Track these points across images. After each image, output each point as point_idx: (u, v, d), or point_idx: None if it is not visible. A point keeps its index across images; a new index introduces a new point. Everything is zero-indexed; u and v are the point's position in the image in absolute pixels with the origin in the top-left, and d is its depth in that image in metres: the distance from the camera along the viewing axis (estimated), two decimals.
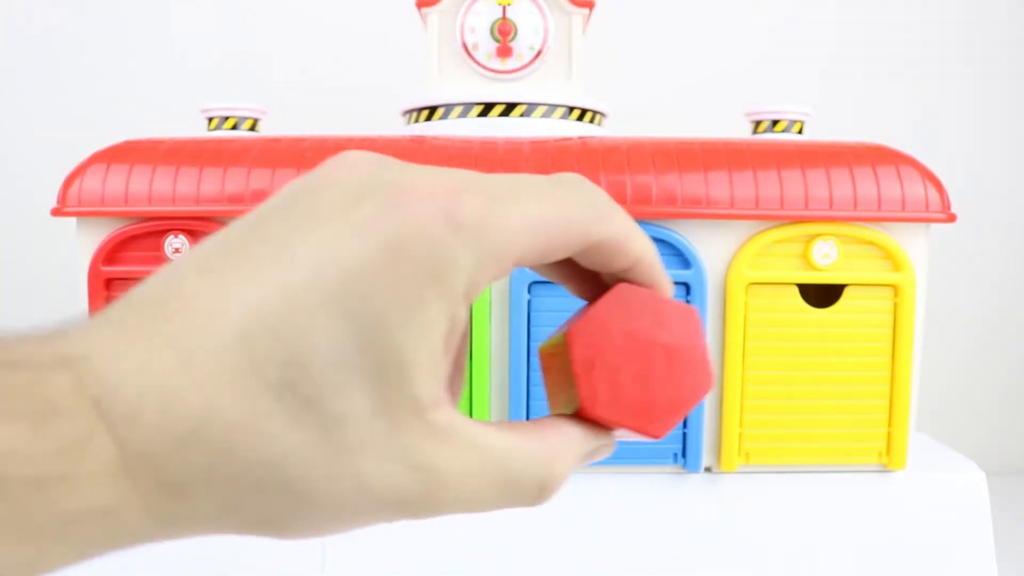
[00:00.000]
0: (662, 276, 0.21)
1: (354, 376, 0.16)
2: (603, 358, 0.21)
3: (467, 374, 0.45)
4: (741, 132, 0.52)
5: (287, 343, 0.16)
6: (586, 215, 0.19)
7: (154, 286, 0.17)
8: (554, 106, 0.50)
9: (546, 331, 0.44)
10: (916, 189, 0.44)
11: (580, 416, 0.21)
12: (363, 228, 0.17)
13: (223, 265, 0.17)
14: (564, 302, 0.44)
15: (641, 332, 0.21)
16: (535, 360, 0.44)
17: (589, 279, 0.23)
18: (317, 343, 0.16)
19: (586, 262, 0.21)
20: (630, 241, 0.20)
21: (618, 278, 0.21)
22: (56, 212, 0.45)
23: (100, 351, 0.16)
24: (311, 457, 0.16)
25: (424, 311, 0.17)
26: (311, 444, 0.16)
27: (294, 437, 0.16)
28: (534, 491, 0.19)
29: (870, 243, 0.44)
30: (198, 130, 0.52)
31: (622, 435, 0.22)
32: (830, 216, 0.43)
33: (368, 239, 0.17)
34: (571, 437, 0.20)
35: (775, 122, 0.50)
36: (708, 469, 0.46)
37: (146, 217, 0.44)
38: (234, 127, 0.51)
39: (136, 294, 0.17)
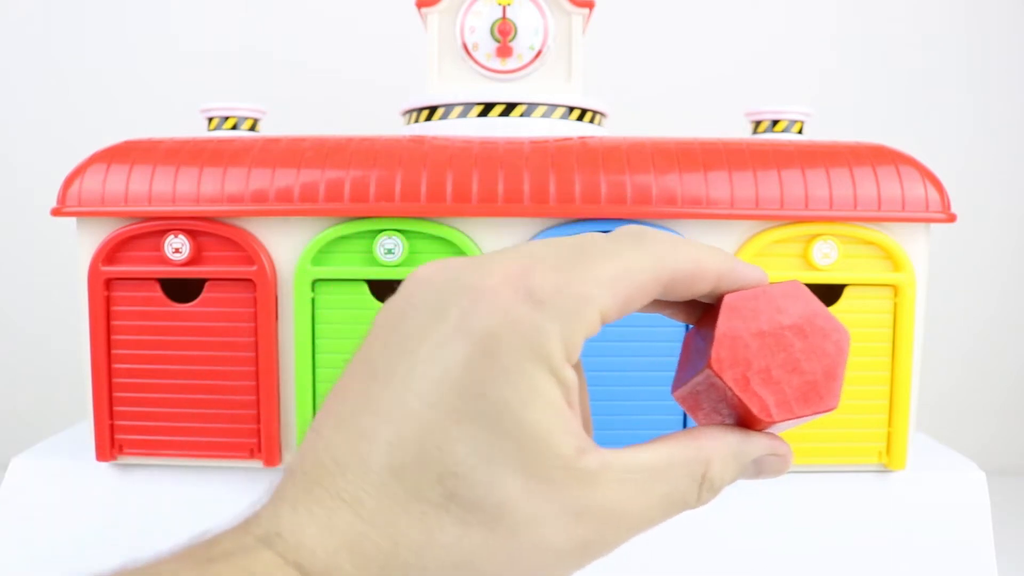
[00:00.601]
0: (749, 273, 0.23)
1: (501, 464, 0.18)
2: (751, 370, 0.21)
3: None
4: (741, 132, 0.52)
5: (434, 462, 0.18)
6: (652, 263, 0.21)
7: (305, 454, 0.19)
8: (554, 106, 0.50)
9: None
10: (916, 189, 0.44)
11: (755, 428, 0.22)
12: (457, 334, 0.18)
13: (352, 416, 0.19)
14: None
15: (767, 328, 0.22)
16: None
17: (688, 304, 0.24)
18: (459, 452, 0.18)
19: (675, 296, 0.22)
20: (701, 265, 0.22)
21: (714, 295, 0.22)
22: (56, 212, 0.45)
23: (289, 526, 0.18)
24: (493, 546, 0.18)
25: (536, 385, 0.18)
26: (489, 536, 0.18)
27: (473, 537, 0.18)
28: (694, 494, 0.21)
29: (870, 243, 0.44)
30: (198, 130, 0.52)
31: (800, 422, 0.22)
32: (830, 216, 0.43)
33: (464, 343, 0.18)
34: (726, 440, 0.21)
35: (775, 122, 0.50)
36: None
37: (146, 217, 0.44)
38: (234, 127, 0.51)
39: (296, 466, 0.19)
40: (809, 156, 0.44)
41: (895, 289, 0.44)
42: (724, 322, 0.22)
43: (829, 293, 0.45)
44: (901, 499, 0.46)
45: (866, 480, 0.46)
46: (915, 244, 0.45)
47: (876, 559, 0.45)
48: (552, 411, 0.18)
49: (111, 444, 0.46)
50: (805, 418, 0.22)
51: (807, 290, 0.22)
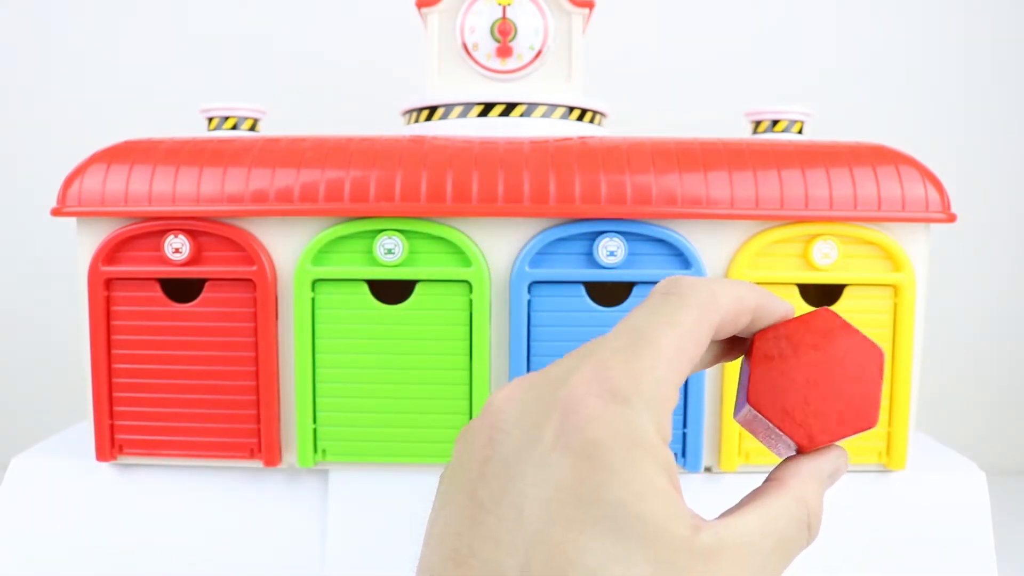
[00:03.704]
0: (779, 306, 0.24)
1: (631, 561, 0.18)
2: (790, 400, 0.22)
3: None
4: (741, 132, 0.52)
5: (568, 575, 0.18)
6: (700, 311, 0.22)
7: None
8: (554, 106, 0.50)
9: (546, 331, 0.44)
10: (916, 189, 0.44)
11: (806, 452, 0.23)
12: (557, 451, 0.19)
13: (472, 552, 0.19)
14: (564, 302, 0.44)
15: (800, 359, 0.23)
16: (535, 360, 0.44)
17: (728, 343, 0.25)
18: (589, 560, 0.18)
19: (720, 336, 0.23)
20: (742, 303, 0.23)
21: (752, 331, 0.24)
22: (56, 212, 0.45)
23: None
24: None
25: (646, 477, 0.19)
26: None
27: None
28: (804, 534, 0.22)
29: (870, 243, 0.44)
30: (198, 130, 0.52)
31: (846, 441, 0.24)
32: (830, 216, 0.43)
33: (568, 457, 0.19)
34: (806, 473, 0.23)
35: (775, 122, 0.50)
36: (708, 469, 0.46)
37: (146, 217, 0.44)
38: (234, 127, 0.51)
39: None
40: (809, 156, 0.44)
41: (895, 289, 0.44)
42: (760, 358, 0.23)
43: (829, 293, 0.45)
44: (901, 499, 0.46)
45: (866, 480, 0.46)
46: (915, 244, 0.45)
47: (876, 559, 0.45)
48: (665, 497, 0.19)
49: (111, 444, 0.46)
50: (850, 436, 0.23)
51: (838, 316, 0.23)
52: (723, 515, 0.21)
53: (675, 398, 0.21)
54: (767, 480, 0.23)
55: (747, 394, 0.23)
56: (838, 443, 0.23)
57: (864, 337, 0.23)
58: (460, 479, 0.20)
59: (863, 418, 0.23)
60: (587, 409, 0.19)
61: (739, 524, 0.20)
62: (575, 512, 0.18)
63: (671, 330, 0.21)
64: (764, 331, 0.24)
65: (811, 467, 0.23)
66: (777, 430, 0.23)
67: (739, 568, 0.20)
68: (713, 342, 0.24)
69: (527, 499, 0.19)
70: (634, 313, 0.22)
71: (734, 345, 0.25)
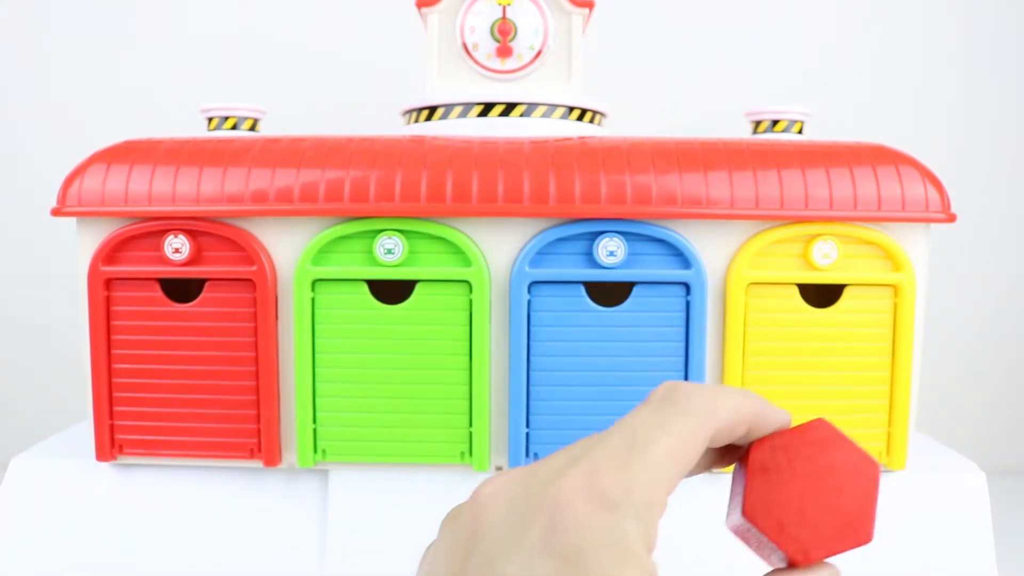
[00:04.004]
0: (775, 416, 0.24)
1: None
2: (786, 514, 0.22)
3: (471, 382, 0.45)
4: (741, 132, 0.52)
5: None
6: (697, 424, 0.22)
7: None
8: (554, 106, 0.50)
9: (546, 331, 0.44)
10: (916, 189, 0.44)
11: (797, 566, 0.23)
12: (542, 552, 0.19)
13: None
14: (564, 302, 0.44)
15: (796, 472, 0.23)
16: (535, 360, 0.44)
17: (722, 449, 0.25)
18: None
19: (716, 444, 0.23)
20: (740, 414, 0.23)
21: (748, 439, 0.24)
22: (56, 212, 0.45)
23: None
24: None
25: None
26: None
27: None
28: None
29: (870, 243, 0.44)
30: (198, 130, 0.52)
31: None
32: (830, 216, 0.43)
33: (552, 559, 0.19)
34: None
35: (775, 122, 0.50)
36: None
37: (146, 217, 0.44)
38: (234, 127, 0.51)
39: None
40: (809, 156, 0.44)
41: (895, 289, 0.44)
42: (756, 469, 0.23)
43: (829, 293, 0.45)
44: (901, 499, 0.46)
45: None
46: (915, 244, 0.45)
47: (876, 559, 0.45)
48: None
49: (111, 444, 0.46)
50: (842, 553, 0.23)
51: (834, 428, 0.23)
52: None
53: (665, 505, 0.21)
54: None
55: (742, 506, 0.23)
56: (830, 560, 0.23)
57: (859, 450, 0.23)
58: (443, 565, 0.20)
59: (858, 533, 0.23)
60: (575, 513, 0.19)
61: None
62: None
63: (667, 437, 0.21)
64: (761, 441, 0.23)
65: None
66: (771, 543, 0.23)
67: None
68: (708, 449, 0.24)
69: None
70: (631, 415, 0.22)
71: (727, 452, 0.25)
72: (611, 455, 0.20)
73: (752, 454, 0.23)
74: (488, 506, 0.20)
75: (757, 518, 0.22)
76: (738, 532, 0.24)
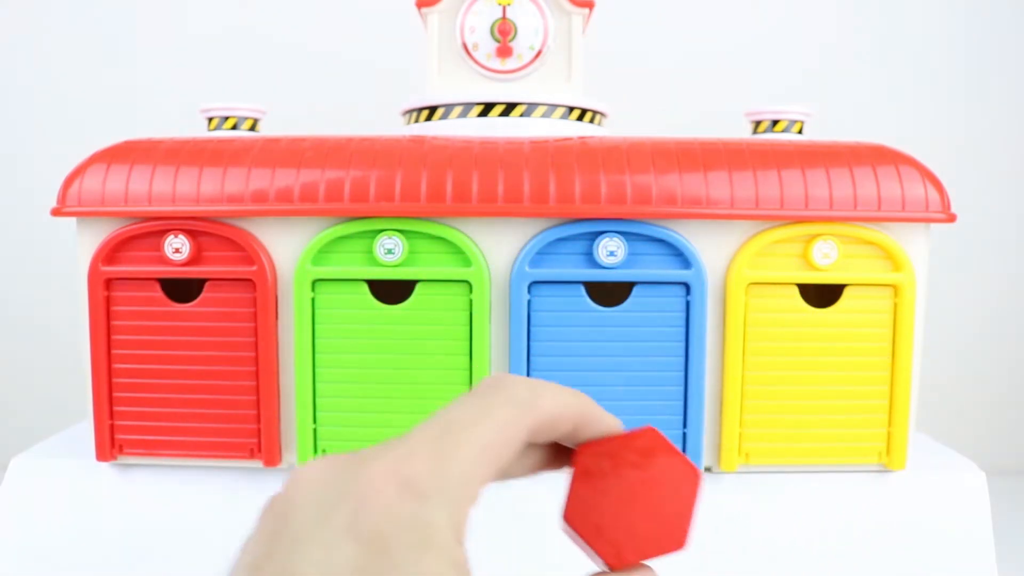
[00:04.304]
0: (605, 419, 0.24)
1: None
2: (602, 520, 0.23)
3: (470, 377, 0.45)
4: (741, 132, 0.52)
5: None
6: (516, 415, 0.22)
7: None
8: (554, 106, 0.50)
9: (546, 331, 0.44)
10: (916, 189, 0.44)
11: (614, 570, 0.23)
12: (345, 536, 0.18)
13: None
14: (564, 302, 0.44)
15: (621, 478, 0.23)
16: (535, 360, 0.44)
17: (553, 451, 0.25)
18: None
19: (537, 440, 0.23)
20: (563, 410, 0.23)
21: (575, 440, 0.24)
22: (56, 212, 0.45)
23: None
24: None
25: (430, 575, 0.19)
26: None
27: None
28: None
29: (870, 243, 0.44)
30: (198, 130, 0.52)
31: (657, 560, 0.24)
32: (830, 216, 0.43)
33: (354, 545, 0.18)
34: None
35: (775, 122, 0.50)
36: (708, 469, 0.46)
37: (146, 217, 0.44)
38: (234, 127, 0.51)
39: None
40: (809, 156, 0.44)
41: (895, 289, 0.44)
42: (578, 473, 0.23)
43: (829, 293, 0.45)
44: (901, 499, 0.46)
45: (866, 480, 0.46)
46: (915, 244, 0.45)
47: (876, 559, 0.45)
48: None
49: (111, 444, 0.46)
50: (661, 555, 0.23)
51: (660, 436, 0.24)
52: None
53: (477, 495, 0.21)
54: None
55: (563, 510, 0.23)
56: (647, 563, 0.23)
57: (684, 459, 0.23)
58: (250, 552, 0.20)
59: (673, 539, 0.23)
60: (381, 499, 0.19)
61: None
62: None
63: (483, 427, 0.21)
64: (588, 445, 0.24)
65: None
66: (588, 547, 0.23)
67: None
68: (536, 447, 0.24)
69: None
70: (452, 405, 0.22)
71: (560, 454, 0.25)
72: (425, 443, 0.20)
73: (578, 458, 0.24)
74: (300, 490, 0.20)
75: (575, 522, 0.23)
76: (566, 533, 0.24)
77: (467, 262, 0.44)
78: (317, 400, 0.45)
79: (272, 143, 0.45)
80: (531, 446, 0.24)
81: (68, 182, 0.45)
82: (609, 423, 0.24)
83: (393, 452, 0.20)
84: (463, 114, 0.50)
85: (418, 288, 0.44)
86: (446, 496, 0.19)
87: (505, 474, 0.24)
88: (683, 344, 0.44)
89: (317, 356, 0.45)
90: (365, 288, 0.44)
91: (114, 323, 0.45)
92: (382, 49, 0.79)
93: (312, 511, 0.19)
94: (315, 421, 0.45)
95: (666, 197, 0.43)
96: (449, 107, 0.50)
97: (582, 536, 0.23)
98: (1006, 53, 0.80)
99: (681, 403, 0.45)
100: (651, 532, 0.23)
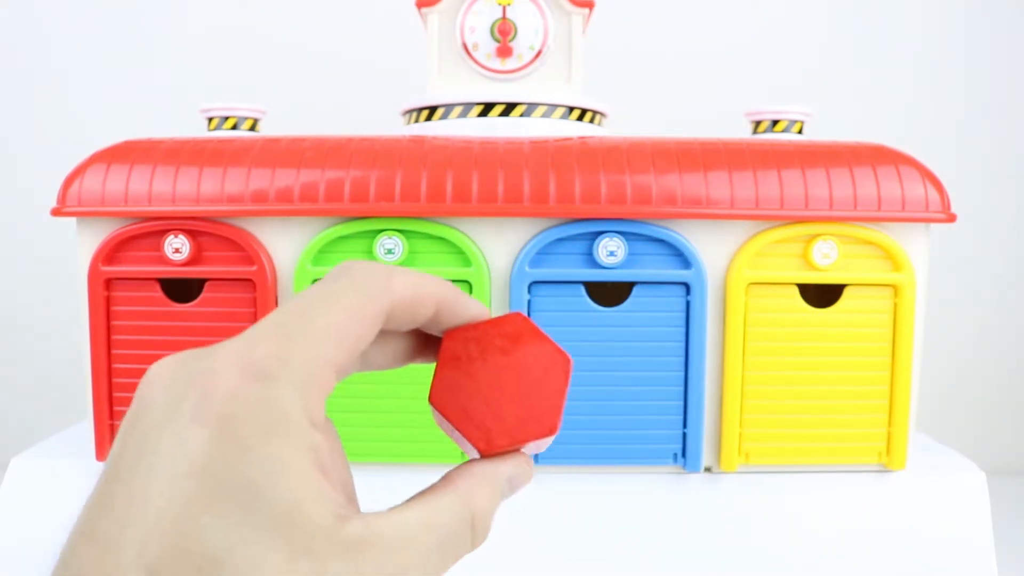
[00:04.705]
0: (470, 305, 0.23)
1: (260, 543, 0.17)
2: (472, 402, 0.22)
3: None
4: (741, 132, 0.52)
5: (188, 554, 0.17)
6: (369, 296, 0.21)
7: (63, 568, 0.18)
8: (554, 106, 0.50)
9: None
10: (916, 189, 0.44)
11: (486, 456, 0.22)
12: (193, 423, 0.18)
13: (97, 526, 0.18)
14: (564, 302, 0.44)
15: (489, 362, 0.23)
16: None
17: (421, 341, 0.24)
18: (212, 538, 0.17)
19: (399, 325, 0.22)
20: (420, 292, 0.22)
21: (441, 327, 0.23)
22: (56, 212, 0.45)
23: None
24: None
25: (281, 457, 0.18)
26: None
27: None
28: (467, 536, 0.21)
29: (870, 243, 0.44)
30: (198, 130, 0.52)
31: (531, 448, 0.23)
32: (830, 216, 0.43)
33: (202, 430, 0.18)
34: (479, 474, 0.22)
35: (775, 122, 0.50)
36: (708, 469, 0.46)
37: (146, 217, 0.44)
38: (234, 127, 0.51)
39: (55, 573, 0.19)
40: (809, 156, 0.44)
41: (895, 289, 0.44)
42: (447, 358, 0.23)
43: (829, 293, 0.45)
44: (901, 499, 0.46)
45: (866, 480, 0.46)
46: (915, 244, 0.45)
47: (876, 559, 0.45)
48: (302, 481, 0.18)
49: (111, 444, 0.46)
50: (533, 442, 0.22)
51: (529, 322, 0.23)
52: (386, 510, 0.20)
53: (331, 379, 0.20)
54: (439, 479, 0.22)
55: (429, 393, 0.22)
56: (523, 451, 0.23)
57: (553, 344, 0.23)
58: (109, 457, 0.19)
59: (543, 424, 0.22)
60: (227, 383, 0.18)
61: (395, 518, 0.20)
62: (202, 489, 0.17)
63: (332, 308, 0.20)
64: (454, 331, 0.23)
65: (486, 469, 0.22)
66: (457, 432, 0.22)
67: (391, 563, 0.19)
68: (400, 335, 0.24)
69: (157, 471, 0.18)
70: (305, 292, 0.21)
71: (428, 344, 0.24)
72: (270, 328, 0.20)
73: (445, 343, 0.23)
74: (150, 384, 0.19)
75: (443, 405, 0.22)
76: (439, 424, 0.24)
77: (467, 262, 0.44)
78: None
79: (272, 143, 0.45)
80: (395, 334, 0.23)
81: (68, 182, 0.45)
82: (475, 310, 0.23)
83: (238, 340, 0.19)
84: (463, 114, 0.50)
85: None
86: (295, 378, 0.19)
87: (368, 362, 0.23)
88: (683, 344, 0.44)
89: None
90: None
91: (114, 323, 0.45)
92: (382, 49, 0.79)
93: (161, 404, 0.19)
94: None
95: (666, 197, 0.43)
96: (449, 107, 0.50)
97: (449, 420, 0.22)
98: (1006, 53, 0.80)
99: (681, 403, 0.45)
100: (521, 416, 0.22)
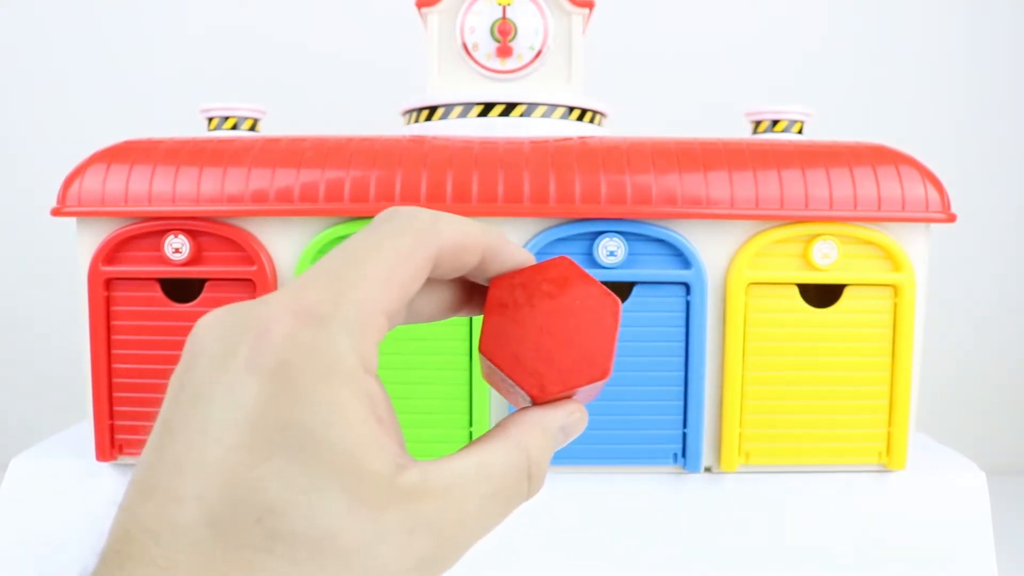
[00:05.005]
0: (515, 252, 0.23)
1: (319, 492, 0.17)
2: (522, 349, 0.22)
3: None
4: (741, 132, 0.52)
5: (248, 505, 0.17)
6: (416, 240, 0.20)
7: (113, 532, 0.18)
8: (554, 106, 0.50)
9: None
10: (916, 189, 0.44)
11: (539, 403, 0.22)
12: (247, 372, 0.18)
13: (154, 479, 0.18)
14: None
15: (537, 307, 0.22)
16: None
17: (466, 291, 0.24)
18: (272, 488, 0.17)
19: (445, 273, 0.22)
20: (467, 238, 0.22)
21: (487, 275, 0.23)
22: (56, 212, 0.45)
23: None
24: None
25: (338, 404, 0.18)
26: (321, 568, 0.17)
27: (305, 572, 0.17)
28: (523, 484, 0.20)
29: (870, 243, 0.44)
30: (198, 130, 0.52)
31: (583, 394, 0.23)
32: (830, 216, 0.43)
33: (257, 378, 0.17)
34: (533, 422, 0.21)
35: (775, 122, 0.50)
36: (708, 469, 0.46)
37: (146, 217, 0.44)
38: (234, 127, 0.51)
39: (106, 547, 0.18)
40: (809, 156, 0.44)
41: (895, 289, 0.44)
42: (494, 306, 0.22)
43: (829, 293, 0.45)
44: (901, 499, 0.46)
45: (866, 480, 0.46)
46: (915, 244, 0.45)
47: (876, 559, 0.45)
48: (360, 428, 0.18)
49: (111, 444, 0.46)
50: (587, 387, 0.22)
51: (576, 265, 0.23)
52: (442, 458, 0.20)
53: (384, 325, 0.19)
54: (493, 428, 0.21)
55: (480, 342, 0.22)
56: (575, 399, 0.23)
57: (601, 287, 0.22)
58: (161, 410, 0.19)
59: (596, 367, 0.22)
60: (280, 328, 0.18)
61: (452, 466, 0.19)
62: (260, 437, 0.17)
63: (381, 254, 0.20)
64: (500, 278, 0.23)
65: (539, 417, 0.22)
66: (509, 380, 0.22)
67: (449, 511, 0.19)
68: (447, 284, 0.23)
69: (212, 422, 0.17)
70: (349, 239, 0.20)
71: (472, 296, 0.24)
72: (321, 274, 0.19)
73: (491, 291, 0.22)
74: (200, 335, 0.19)
75: (493, 353, 0.22)
76: (486, 376, 0.23)
77: None
78: None
79: (272, 143, 0.45)
80: (441, 283, 0.23)
81: (68, 182, 0.45)
82: (520, 256, 0.23)
83: (289, 287, 0.19)
84: (463, 114, 0.50)
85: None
86: (348, 322, 0.18)
87: (414, 313, 0.23)
88: (683, 344, 0.44)
89: None
90: None
91: (114, 323, 0.45)
92: (382, 49, 0.79)
93: (213, 354, 0.18)
94: None
95: (666, 197, 0.43)
96: (449, 107, 0.50)
97: (501, 367, 0.22)
98: (1006, 53, 0.80)
99: (681, 403, 0.45)
100: (572, 360, 0.22)
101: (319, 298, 0.18)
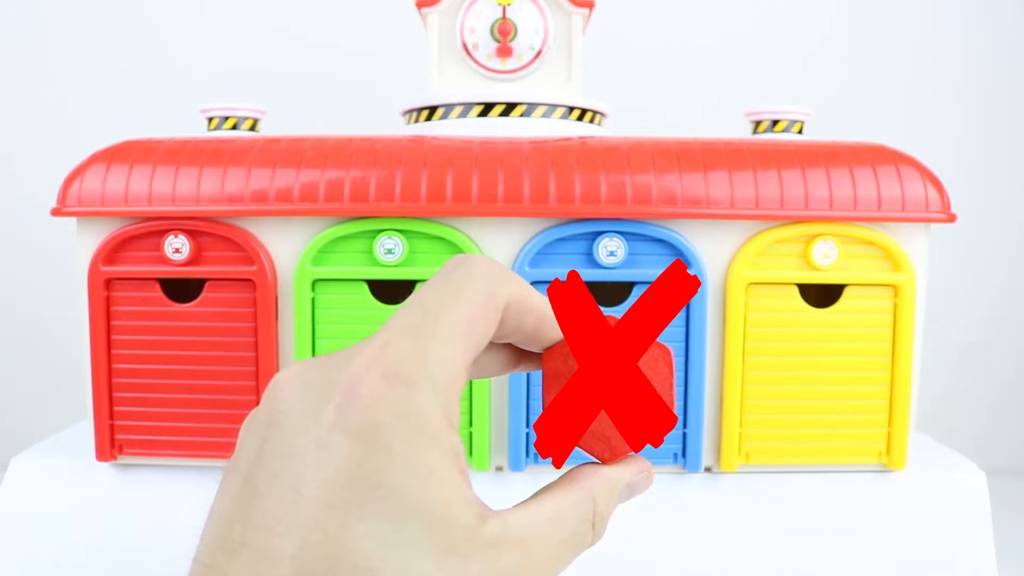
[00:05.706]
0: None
1: (412, 549, 0.17)
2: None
3: None
4: (741, 132, 0.52)
5: (345, 564, 0.17)
6: (489, 287, 0.21)
7: None
8: (554, 106, 0.50)
9: None
10: (916, 189, 0.44)
11: (606, 464, 0.22)
12: (337, 431, 0.18)
13: (245, 539, 0.18)
14: None
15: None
16: None
17: (517, 354, 0.24)
18: (368, 547, 0.17)
19: (506, 328, 0.22)
20: (529, 298, 0.22)
21: (539, 342, 0.23)
22: (56, 212, 0.45)
23: None
24: None
25: (428, 463, 0.18)
26: None
27: None
28: (588, 533, 0.21)
29: (870, 243, 0.44)
30: (198, 130, 0.52)
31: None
32: (830, 216, 0.43)
33: (348, 438, 0.18)
34: (601, 476, 0.22)
35: (775, 122, 0.50)
36: (708, 469, 0.46)
37: (146, 217, 0.44)
38: (234, 127, 0.51)
39: None
40: (809, 156, 0.44)
41: (895, 289, 0.44)
42: (550, 379, 0.22)
43: (829, 293, 0.45)
44: (901, 499, 0.46)
45: (866, 480, 0.46)
46: (915, 244, 0.45)
47: (876, 559, 0.45)
48: (449, 485, 0.18)
49: (111, 444, 0.46)
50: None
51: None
52: (515, 506, 0.20)
53: (463, 378, 0.20)
54: (561, 477, 0.22)
55: (540, 419, 0.22)
56: (641, 455, 0.23)
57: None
58: (237, 465, 0.19)
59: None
60: (369, 390, 0.18)
61: (527, 515, 0.20)
62: (353, 496, 0.17)
63: (458, 305, 0.20)
64: (552, 349, 0.23)
65: (607, 472, 0.22)
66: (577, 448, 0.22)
67: (525, 559, 0.19)
68: (502, 347, 0.24)
69: (305, 481, 0.18)
70: (423, 288, 0.21)
71: (526, 357, 0.25)
72: (402, 330, 0.19)
73: (546, 363, 0.23)
74: (282, 392, 0.19)
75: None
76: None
77: None
78: None
79: (272, 143, 0.45)
80: (499, 345, 0.24)
81: (68, 182, 0.45)
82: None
83: (371, 344, 0.19)
84: (463, 114, 0.50)
85: (418, 288, 0.44)
86: (432, 380, 0.19)
87: (480, 368, 0.23)
88: (683, 344, 0.44)
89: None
90: (365, 288, 0.44)
91: (114, 323, 0.45)
92: (382, 49, 0.79)
93: (298, 413, 0.19)
94: None
95: (666, 197, 0.43)
96: (449, 107, 0.50)
97: (580, 442, 0.22)
98: (1006, 53, 0.80)
99: (681, 403, 0.45)
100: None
101: (402, 357, 0.19)
